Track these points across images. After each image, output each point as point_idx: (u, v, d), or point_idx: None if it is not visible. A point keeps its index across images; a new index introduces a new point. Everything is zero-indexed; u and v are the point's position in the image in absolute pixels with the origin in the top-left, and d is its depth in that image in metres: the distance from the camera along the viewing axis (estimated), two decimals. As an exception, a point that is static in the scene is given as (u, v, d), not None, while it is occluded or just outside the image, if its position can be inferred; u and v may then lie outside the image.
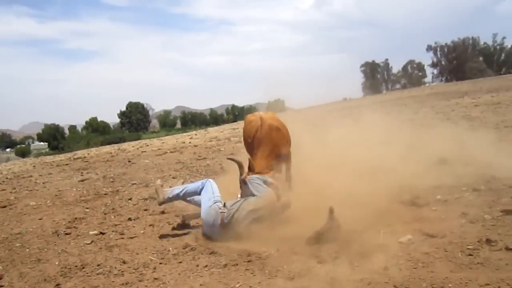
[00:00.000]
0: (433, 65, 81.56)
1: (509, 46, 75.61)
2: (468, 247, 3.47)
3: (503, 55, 76.04)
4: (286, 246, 4.00)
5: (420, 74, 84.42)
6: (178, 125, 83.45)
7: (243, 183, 4.94)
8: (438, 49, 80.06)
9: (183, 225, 5.15)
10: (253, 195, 4.70)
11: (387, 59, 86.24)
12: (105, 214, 6.26)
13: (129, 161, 13.04)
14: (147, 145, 19.24)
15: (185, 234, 4.85)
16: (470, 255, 3.33)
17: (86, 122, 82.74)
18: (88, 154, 17.54)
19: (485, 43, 77.93)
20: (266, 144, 5.42)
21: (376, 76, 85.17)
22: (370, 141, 7.81)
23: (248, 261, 3.77)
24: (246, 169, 5.08)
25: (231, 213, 4.48)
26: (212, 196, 4.71)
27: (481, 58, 76.42)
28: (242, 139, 6.36)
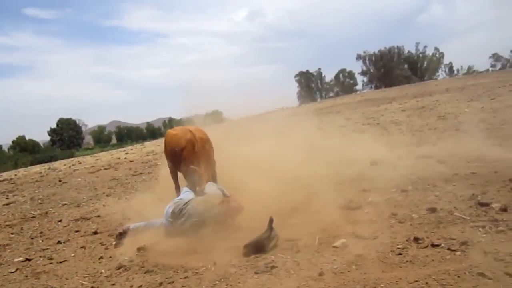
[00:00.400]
0: (363, 73, 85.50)
1: (430, 54, 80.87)
2: (398, 246, 3.59)
3: (425, 62, 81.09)
4: (223, 259, 3.94)
5: (352, 82, 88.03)
6: (114, 141, 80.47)
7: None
8: (367, 58, 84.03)
9: (122, 235, 4.96)
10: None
11: (320, 69, 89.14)
12: (32, 238, 5.88)
13: (60, 181, 12.43)
14: (80, 163, 18.46)
15: (119, 254, 4.63)
16: (400, 254, 3.45)
17: (13, 142, 77.70)
18: (16, 175, 16.53)
19: (409, 51, 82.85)
20: (204, 156, 5.48)
21: (310, 85, 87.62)
22: (303, 149, 7.97)
23: (185, 278, 3.66)
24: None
25: (180, 204, 4.75)
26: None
27: (406, 66, 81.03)
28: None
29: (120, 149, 27.64)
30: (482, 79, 32.60)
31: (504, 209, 4.06)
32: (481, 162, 6.15)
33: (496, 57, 77.53)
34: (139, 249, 4.59)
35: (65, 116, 77.24)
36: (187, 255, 4.22)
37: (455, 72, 79.18)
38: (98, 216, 6.61)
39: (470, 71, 75.31)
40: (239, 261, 3.81)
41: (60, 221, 6.73)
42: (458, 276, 2.92)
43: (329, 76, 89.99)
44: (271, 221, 4.16)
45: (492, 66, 76.87)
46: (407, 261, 3.31)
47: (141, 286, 3.65)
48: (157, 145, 21.33)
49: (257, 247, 3.96)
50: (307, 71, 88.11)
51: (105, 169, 14.12)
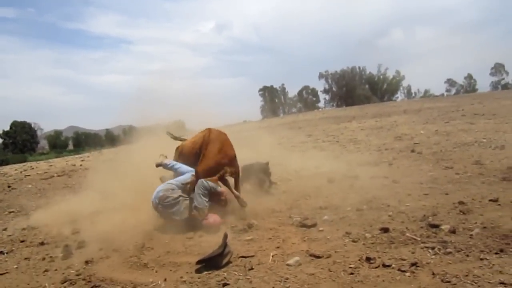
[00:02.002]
0: (325, 91, 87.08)
1: (391, 76, 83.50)
2: (350, 266, 3.61)
3: (385, 84, 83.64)
4: (174, 275, 3.84)
5: (314, 99, 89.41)
6: (71, 147, 77.83)
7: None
8: (329, 77, 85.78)
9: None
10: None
11: (283, 84, 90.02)
12: (-28, 248, 5.53)
13: (9, 187, 11.88)
14: (33, 168, 17.74)
15: (66, 267, 4.42)
16: (352, 273, 3.46)
17: (-40, 144, 73.90)
18: (-40, 179, 15.63)
19: (370, 72, 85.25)
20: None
21: (274, 99, 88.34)
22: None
23: (133, 294, 3.54)
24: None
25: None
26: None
27: (367, 86, 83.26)
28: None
29: (76, 156, 26.81)
30: (438, 102, 33.87)
31: (453, 231, 4.17)
32: (433, 184, 6.34)
33: (450, 82, 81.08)
34: (87, 262, 4.42)
35: (20, 119, 74.28)
36: (137, 270, 4.09)
37: (413, 94, 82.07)
38: (46, 225, 6.31)
39: (426, 94, 78.24)
40: (190, 278, 3.71)
41: (5, 229, 6.41)
42: (407, 298, 2.96)
43: (292, 92, 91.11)
44: (225, 237, 4.11)
45: (447, 90, 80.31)
46: (358, 281, 3.32)
47: (85, 302, 3.48)
48: (115, 153, 20.80)
49: (210, 264, 3.89)
50: (271, 86, 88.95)
51: (59, 176, 13.64)
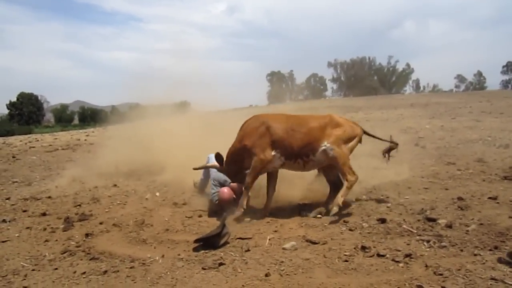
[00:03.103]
0: (333, 80, 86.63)
1: (401, 69, 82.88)
2: (345, 253, 3.67)
3: (394, 76, 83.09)
4: (172, 251, 3.91)
5: (322, 87, 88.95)
6: (76, 121, 77.92)
7: None
8: (338, 66, 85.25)
9: None
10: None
11: (292, 71, 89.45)
12: (-25, 215, 5.63)
13: (14, 157, 11.99)
14: (38, 140, 17.87)
15: (66, 238, 4.51)
16: (346, 261, 3.52)
17: (-35, 112, 74.25)
18: (-34, 147, 15.79)
19: (380, 63, 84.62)
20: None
21: (281, 85, 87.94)
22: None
23: (131, 268, 3.61)
24: None
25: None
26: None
27: (375, 77, 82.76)
28: None
29: (81, 130, 26.94)
30: (446, 98, 33.72)
31: (449, 226, 4.21)
32: (434, 178, 6.36)
33: (460, 78, 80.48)
34: (87, 235, 4.50)
35: (27, 91, 74.36)
36: (136, 245, 4.18)
37: (422, 88, 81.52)
38: (49, 197, 6.41)
39: (435, 89, 77.73)
40: (187, 255, 3.79)
41: (8, 198, 6.50)
42: (398, 287, 3.01)
43: (300, 79, 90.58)
44: (224, 218, 4.19)
45: (456, 86, 79.79)
46: (352, 268, 3.38)
47: (84, 273, 3.56)
48: (119, 130, 20.89)
49: (208, 243, 3.96)
50: (279, 71, 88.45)
51: (63, 149, 13.74)
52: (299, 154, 4.93)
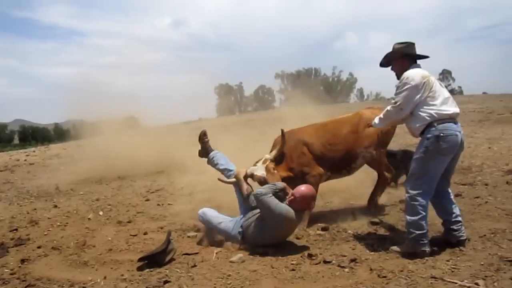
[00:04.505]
0: (281, 91, 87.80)
1: (345, 78, 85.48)
2: (292, 262, 3.67)
3: (339, 86, 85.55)
4: (115, 272, 3.74)
5: (270, 98, 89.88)
6: (16, 141, 74.15)
7: None
8: (285, 77, 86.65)
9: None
10: None
11: (241, 83, 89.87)
12: None
13: None
14: (-28, 163, 16.77)
15: (1, 266, 4.20)
16: (293, 270, 3.51)
17: None
18: None
19: (325, 74, 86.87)
20: None
21: (230, 98, 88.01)
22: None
23: (70, 293, 3.42)
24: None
25: None
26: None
27: (322, 87, 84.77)
28: None
29: (21, 151, 25.59)
30: (388, 105, 35.06)
31: (392, 229, 4.34)
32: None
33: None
34: (23, 260, 4.23)
35: (-40, 110, 70.01)
36: (76, 268, 3.96)
37: (366, 97, 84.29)
38: (-18, 222, 5.99)
39: (378, 97, 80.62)
40: (131, 275, 3.63)
41: None
42: (344, 292, 3.04)
43: (248, 91, 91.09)
44: (169, 234, 4.07)
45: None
46: (299, 277, 3.38)
47: (19, 301, 3.33)
48: (63, 148, 20.06)
49: (153, 261, 3.82)
50: (227, 84, 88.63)
51: (1, 170, 12.97)
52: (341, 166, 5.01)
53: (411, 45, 3.86)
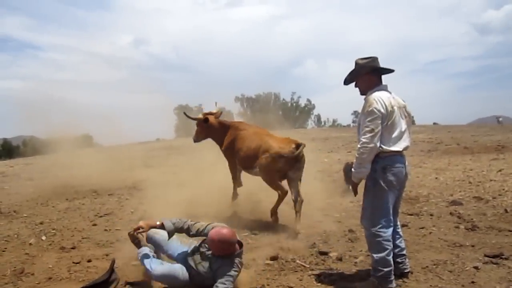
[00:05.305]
0: (240, 114, 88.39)
1: (303, 104, 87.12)
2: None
3: (298, 111, 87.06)
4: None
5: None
6: (-40, 156, 70.11)
7: None
8: (245, 100, 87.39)
9: None
10: None
11: (201, 104, 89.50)
12: None
13: None
14: None
15: None
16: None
17: None
18: None
19: (284, 99, 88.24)
20: None
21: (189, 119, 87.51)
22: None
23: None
24: None
25: None
26: None
27: (280, 112, 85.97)
28: None
29: (-37, 168, 24.17)
30: (344, 132, 35.83)
31: (339, 259, 4.39)
32: (328, 211, 6.62)
33: (356, 114, 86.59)
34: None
35: None
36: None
37: (323, 123, 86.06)
38: None
39: (335, 124, 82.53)
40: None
41: None
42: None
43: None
44: (113, 262, 3.93)
45: (353, 122, 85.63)
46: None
47: None
48: (9, 166, 19.11)
49: (94, 291, 3.67)
50: (187, 105, 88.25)
51: None
52: None
53: (376, 59, 3.77)
